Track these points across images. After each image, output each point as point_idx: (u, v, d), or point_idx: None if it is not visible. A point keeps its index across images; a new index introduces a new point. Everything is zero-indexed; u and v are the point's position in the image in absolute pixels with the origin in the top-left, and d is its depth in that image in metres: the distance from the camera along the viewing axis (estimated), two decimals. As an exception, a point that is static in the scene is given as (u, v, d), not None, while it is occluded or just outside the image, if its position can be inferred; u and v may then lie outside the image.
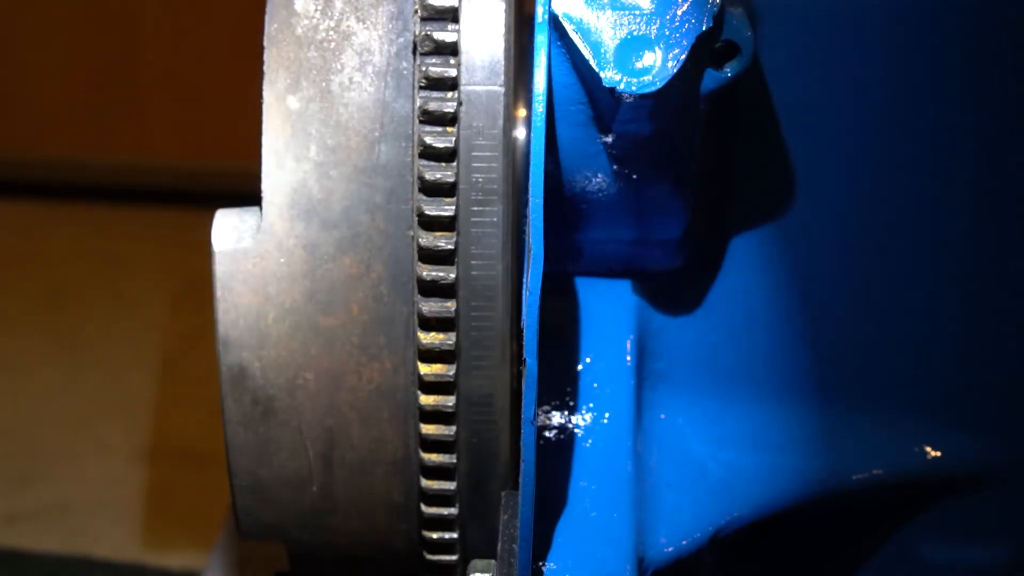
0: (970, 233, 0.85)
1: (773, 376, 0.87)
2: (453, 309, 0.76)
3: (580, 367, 0.83)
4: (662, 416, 0.86)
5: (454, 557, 0.83)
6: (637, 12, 0.70)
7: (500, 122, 0.75)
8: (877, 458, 0.88)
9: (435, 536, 0.82)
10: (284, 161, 0.75)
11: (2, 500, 2.17)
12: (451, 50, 0.75)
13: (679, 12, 0.70)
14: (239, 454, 0.79)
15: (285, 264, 0.76)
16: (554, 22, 0.71)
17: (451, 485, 0.80)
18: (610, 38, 0.70)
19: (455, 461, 0.79)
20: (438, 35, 0.75)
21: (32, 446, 2.29)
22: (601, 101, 0.73)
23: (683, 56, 0.70)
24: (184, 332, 2.47)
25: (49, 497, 2.18)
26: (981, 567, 0.93)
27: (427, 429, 0.78)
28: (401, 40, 0.75)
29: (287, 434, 0.78)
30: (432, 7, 0.75)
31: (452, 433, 0.78)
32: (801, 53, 0.80)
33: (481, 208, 0.76)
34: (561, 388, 0.83)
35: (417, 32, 0.75)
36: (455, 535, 0.82)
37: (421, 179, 0.75)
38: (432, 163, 0.75)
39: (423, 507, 0.81)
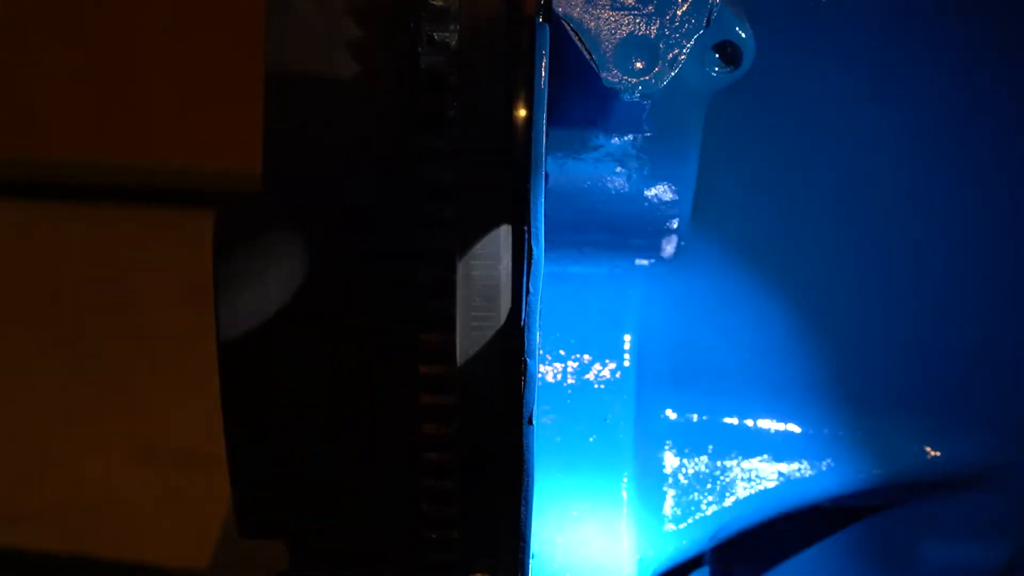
0: (971, 232, 0.85)
1: (773, 377, 0.87)
2: (453, 309, 0.76)
3: (580, 367, 0.83)
4: (662, 416, 0.86)
5: (454, 557, 0.83)
6: (637, 12, 0.70)
7: (500, 122, 0.75)
8: (877, 458, 0.88)
9: (435, 536, 0.82)
10: (284, 161, 0.75)
11: (3, 500, 2.17)
12: (451, 50, 0.75)
13: (679, 12, 0.70)
14: (239, 454, 0.79)
15: (285, 264, 0.76)
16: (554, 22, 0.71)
17: (451, 485, 0.80)
18: (610, 38, 0.70)
19: (455, 461, 0.79)
20: (438, 35, 0.75)
21: (32, 446, 2.29)
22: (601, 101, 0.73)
23: (683, 56, 0.70)
24: (184, 332, 2.47)
25: (49, 497, 2.18)
26: (981, 567, 0.93)
27: (427, 429, 0.78)
28: (401, 40, 0.75)
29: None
30: (432, 7, 0.75)
31: (452, 433, 0.78)
32: (798, 52, 0.80)
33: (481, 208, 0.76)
34: (561, 388, 0.83)
35: (417, 32, 0.75)
36: (455, 535, 0.82)
37: (421, 179, 0.75)
38: (432, 163, 0.75)
39: (423, 507, 0.81)
